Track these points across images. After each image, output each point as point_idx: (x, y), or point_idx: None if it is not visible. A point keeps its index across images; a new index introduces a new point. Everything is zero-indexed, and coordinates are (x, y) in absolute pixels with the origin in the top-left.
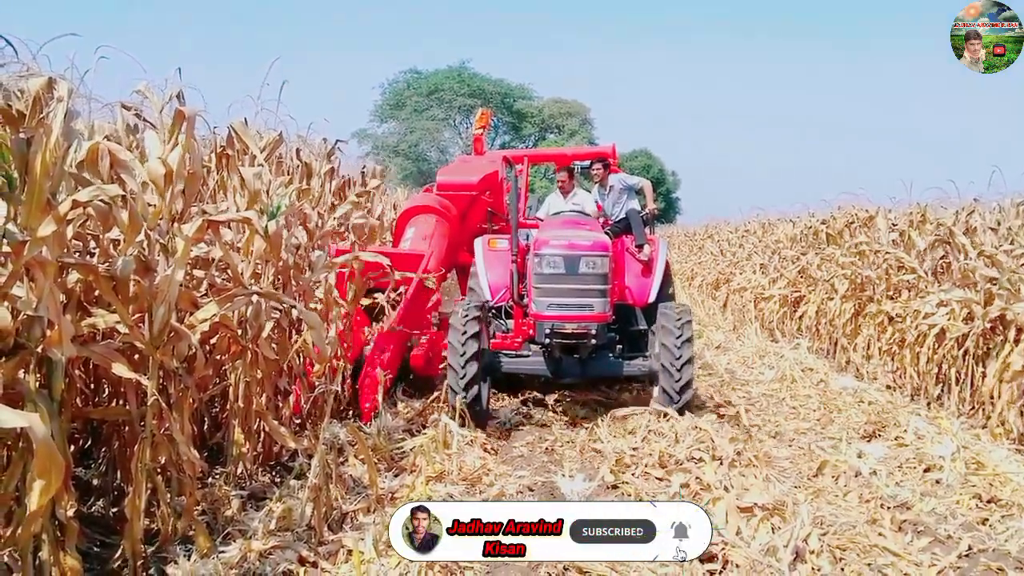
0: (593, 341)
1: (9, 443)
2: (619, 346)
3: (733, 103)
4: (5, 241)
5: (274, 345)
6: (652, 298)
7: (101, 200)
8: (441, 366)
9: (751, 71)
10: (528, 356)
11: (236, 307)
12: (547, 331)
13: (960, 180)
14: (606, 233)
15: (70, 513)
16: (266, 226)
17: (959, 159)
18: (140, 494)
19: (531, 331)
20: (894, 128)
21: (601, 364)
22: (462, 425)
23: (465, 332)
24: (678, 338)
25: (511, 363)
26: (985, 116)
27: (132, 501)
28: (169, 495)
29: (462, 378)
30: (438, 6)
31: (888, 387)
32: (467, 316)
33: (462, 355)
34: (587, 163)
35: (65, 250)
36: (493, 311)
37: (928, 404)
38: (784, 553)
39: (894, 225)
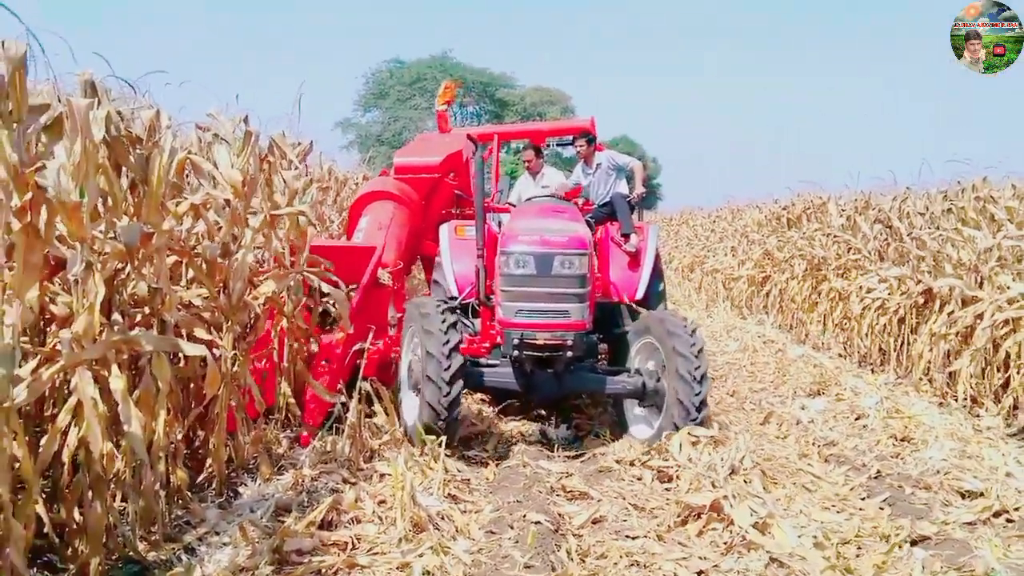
0: (569, 353)
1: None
2: (601, 352)
3: (716, 92)
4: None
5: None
6: (640, 294)
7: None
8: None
9: (733, 59)
10: (495, 366)
11: (286, 284)
12: (515, 341)
13: (900, 170)
14: (587, 220)
15: (179, 437)
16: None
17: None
18: (223, 427)
19: (500, 337)
20: (864, 115)
21: (580, 379)
22: None
23: (448, 342)
24: (693, 346)
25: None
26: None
27: (218, 433)
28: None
29: (446, 396)
30: None
31: (840, 355)
32: (445, 320)
33: (447, 368)
34: (569, 139)
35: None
36: (459, 309)
37: (872, 369)
38: (721, 468)
39: (843, 211)
